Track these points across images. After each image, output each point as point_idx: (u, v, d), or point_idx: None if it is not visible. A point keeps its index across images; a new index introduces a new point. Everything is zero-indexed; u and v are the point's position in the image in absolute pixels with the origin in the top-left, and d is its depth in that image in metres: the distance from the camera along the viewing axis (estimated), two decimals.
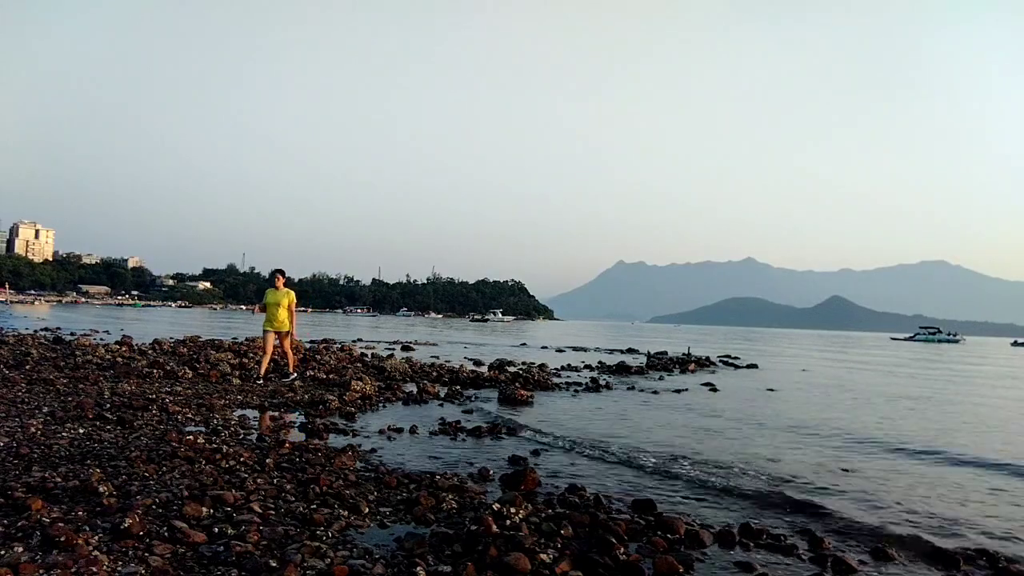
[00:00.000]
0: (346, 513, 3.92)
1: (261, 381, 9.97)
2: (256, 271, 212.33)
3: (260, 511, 3.75)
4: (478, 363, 16.97)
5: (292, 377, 10.45)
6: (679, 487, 5.30)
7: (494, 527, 3.53)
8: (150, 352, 12.85)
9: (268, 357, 10.29)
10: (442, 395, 10.09)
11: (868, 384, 16.62)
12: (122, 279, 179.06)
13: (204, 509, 3.64)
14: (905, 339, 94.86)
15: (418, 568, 3.09)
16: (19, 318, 35.70)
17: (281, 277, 10.22)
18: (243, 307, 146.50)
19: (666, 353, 23.77)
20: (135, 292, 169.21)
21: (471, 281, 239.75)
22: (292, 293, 10.27)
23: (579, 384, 12.78)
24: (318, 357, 13.55)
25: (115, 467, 4.47)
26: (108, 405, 6.81)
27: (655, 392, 12.33)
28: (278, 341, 10.22)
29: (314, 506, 3.95)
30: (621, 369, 16.50)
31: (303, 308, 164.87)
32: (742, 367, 20.37)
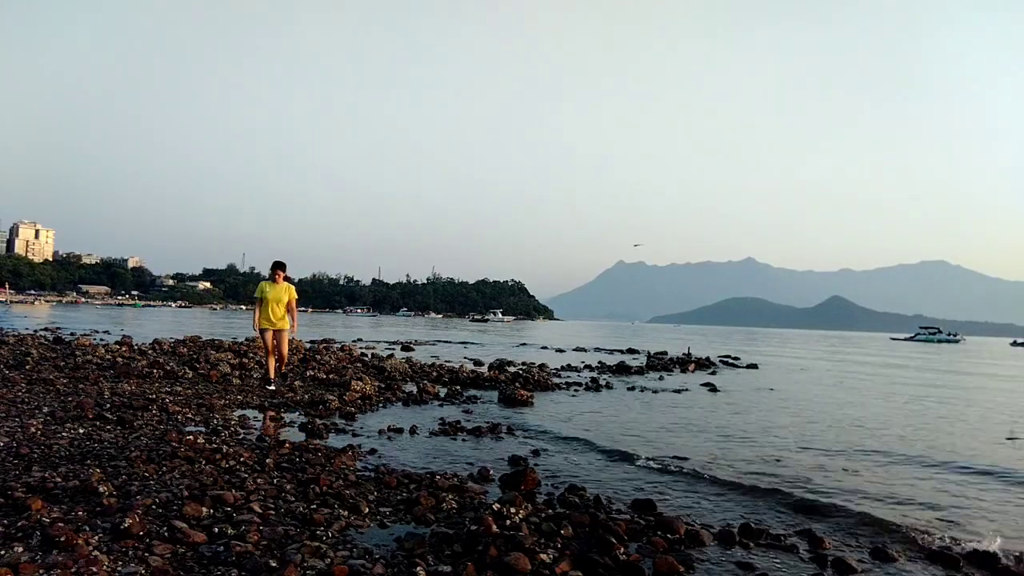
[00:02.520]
0: (346, 513, 3.92)
1: (272, 387, 9.34)
2: (256, 271, 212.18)
3: (260, 511, 3.75)
4: (478, 363, 16.97)
5: (275, 383, 9.49)
6: (679, 487, 5.30)
7: (494, 527, 3.53)
8: (150, 352, 12.84)
9: (272, 356, 9.46)
10: (442, 395, 10.09)
11: (868, 385, 16.62)
12: (122, 279, 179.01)
13: (204, 509, 3.64)
14: (905, 339, 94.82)
15: (418, 568, 3.09)
16: (19, 318, 35.68)
17: (281, 271, 9.25)
18: (243, 307, 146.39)
19: (666, 353, 23.76)
20: (135, 292, 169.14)
21: (471, 281, 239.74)
22: (293, 289, 9.38)
23: (579, 384, 12.78)
24: (318, 357, 13.55)
25: (115, 467, 4.47)
26: (108, 405, 6.81)
27: (655, 392, 12.33)
28: (275, 341, 9.31)
29: (314, 506, 3.95)
30: (621, 369, 16.50)
31: (303, 308, 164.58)
32: (742, 367, 20.37)
